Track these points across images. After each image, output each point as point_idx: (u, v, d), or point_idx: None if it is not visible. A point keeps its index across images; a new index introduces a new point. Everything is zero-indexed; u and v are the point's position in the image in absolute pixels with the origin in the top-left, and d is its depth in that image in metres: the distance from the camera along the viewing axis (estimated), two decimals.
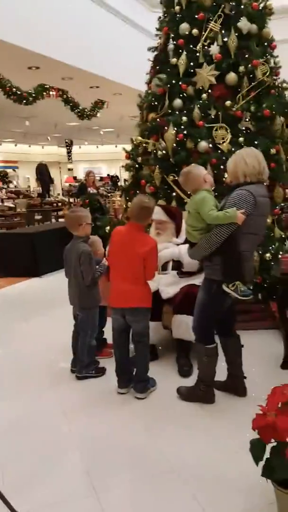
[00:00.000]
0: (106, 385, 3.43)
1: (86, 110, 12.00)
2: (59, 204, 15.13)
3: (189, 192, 3.06)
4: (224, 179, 4.45)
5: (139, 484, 2.37)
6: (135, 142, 5.24)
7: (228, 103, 4.59)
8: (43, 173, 15.12)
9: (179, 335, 3.60)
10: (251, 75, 4.67)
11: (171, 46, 4.89)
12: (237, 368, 3.16)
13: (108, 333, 3.82)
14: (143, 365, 3.24)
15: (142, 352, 3.23)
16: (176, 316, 3.61)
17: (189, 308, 3.46)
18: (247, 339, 3.22)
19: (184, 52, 4.74)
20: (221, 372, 3.16)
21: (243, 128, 4.61)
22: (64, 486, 2.39)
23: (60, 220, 13.85)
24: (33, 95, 10.35)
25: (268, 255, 4.36)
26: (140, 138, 5.08)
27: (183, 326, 3.54)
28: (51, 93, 11.02)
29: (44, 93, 10.67)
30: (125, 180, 5.53)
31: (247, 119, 4.60)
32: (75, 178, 22.35)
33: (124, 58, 9.35)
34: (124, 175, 5.77)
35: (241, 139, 4.53)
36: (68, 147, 22.51)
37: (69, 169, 24.68)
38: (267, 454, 1.94)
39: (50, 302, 5.75)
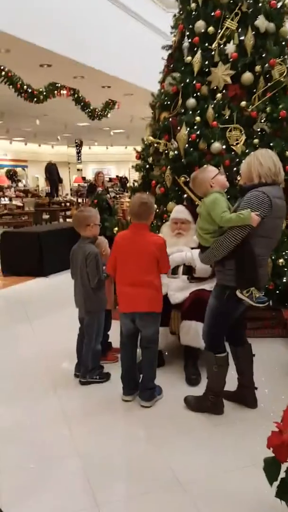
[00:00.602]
0: (110, 391, 3.31)
1: (97, 110, 11.92)
2: (67, 204, 15.05)
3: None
4: (237, 181, 4.34)
5: (142, 497, 2.25)
6: (146, 142, 5.12)
7: (243, 103, 4.45)
8: (52, 172, 15.05)
9: (187, 342, 3.47)
10: (267, 75, 4.52)
11: (186, 44, 4.76)
12: (248, 378, 3.02)
13: (113, 337, 3.70)
14: (150, 372, 3.11)
15: (150, 358, 3.11)
16: (185, 322, 3.48)
17: (198, 314, 3.34)
18: (256, 347, 3.07)
19: (199, 51, 4.61)
20: (231, 382, 3.01)
21: (258, 129, 4.47)
22: (64, 497, 2.26)
23: (68, 220, 13.77)
24: (44, 93, 10.30)
25: (281, 260, 4.21)
26: (151, 138, 4.95)
27: (192, 332, 3.41)
28: (62, 92, 10.97)
29: (55, 92, 10.61)
30: (134, 181, 5.41)
31: (262, 120, 4.46)
32: (84, 178, 22.29)
33: (137, 58, 9.26)
34: (133, 177, 5.65)
35: (255, 140, 4.40)
36: (77, 147, 22.47)
37: (78, 170, 24.63)
38: (282, 474, 1.81)
39: (56, 303, 5.64)
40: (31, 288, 6.77)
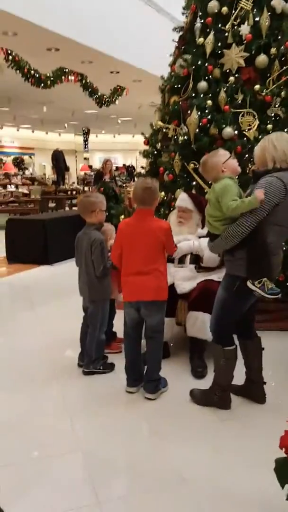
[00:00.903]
0: (114, 382, 3.20)
1: (105, 96, 11.73)
2: (74, 192, 14.91)
3: (210, 182, 2.79)
4: (248, 167, 4.18)
5: (144, 495, 2.14)
6: (154, 127, 4.96)
7: (257, 87, 4.28)
8: (59, 160, 14.90)
9: (193, 333, 3.35)
10: (283, 58, 4.34)
11: (198, 25, 4.58)
12: (256, 372, 2.90)
13: (117, 326, 3.59)
14: (155, 363, 3.00)
15: (155, 349, 2.99)
16: (192, 313, 3.36)
17: (206, 305, 3.23)
18: (263, 340, 2.94)
19: (212, 32, 4.43)
20: (239, 375, 2.89)
21: (272, 114, 4.30)
22: (63, 493, 2.16)
23: (74, 208, 13.64)
24: (52, 78, 10.12)
25: None
26: (160, 122, 4.79)
27: (198, 323, 3.29)
28: (70, 77, 10.78)
29: (63, 77, 10.43)
30: (142, 167, 5.26)
31: (277, 105, 4.29)
32: (90, 167, 22.11)
33: (147, 43, 9.04)
34: (141, 165, 5.48)
35: (269, 126, 4.23)
36: (85, 136, 22.27)
37: (85, 158, 24.44)
38: None
39: (60, 291, 5.54)
40: (36, 276, 6.67)
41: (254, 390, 2.91)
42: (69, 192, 14.10)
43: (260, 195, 2.39)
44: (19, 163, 22.15)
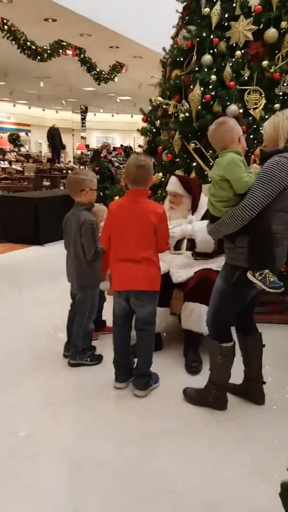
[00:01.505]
0: (101, 376, 2.98)
1: (103, 72, 11.31)
2: (69, 171, 14.50)
3: (215, 155, 2.48)
4: (252, 150, 3.92)
5: (132, 506, 1.93)
6: (154, 103, 4.66)
7: (265, 63, 3.99)
8: (54, 137, 14.44)
9: (188, 326, 3.12)
10: None
11: None
12: (256, 371, 2.68)
13: (107, 314, 3.36)
14: (146, 357, 2.77)
15: (146, 342, 2.76)
16: (187, 303, 3.12)
17: (203, 296, 3.00)
18: (263, 333, 2.71)
19: (219, 2, 4.12)
20: (236, 373, 2.66)
21: (280, 93, 4.02)
22: (40, 501, 1.95)
23: None
24: (49, 51, 9.70)
25: None
26: (160, 98, 4.50)
27: (194, 315, 3.06)
28: (68, 52, 10.35)
29: (61, 51, 10.00)
30: (139, 146, 4.97)
31: (285, 83, 4.01)
32: (87, 146, 21.66)
33: (149, 18, 8.59)
34: (138, 144, 5.19)
35: (276, 105, 3.95)
36: (82, 114, 21.76)
37: (82, 137, 23.96)
38: None
39: (49, 274, 5.29)
40: (25, 257, 6.41)
41: (252, 390, 2.70)
42: (64, 171, 13.70)
43: None
44: (14, 139, 21.66)
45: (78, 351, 3.06)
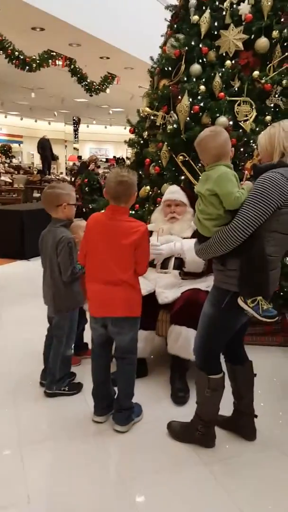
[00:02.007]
0: (80, 407, 2.74)
1: (94, 83, 11.19)
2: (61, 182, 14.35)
3: (203, 168, 2.26)
4: (243, 164, 3.74)
5: None
6: (142, 114, 4.49)
7: (255, 73, 3.82)
8: (45, 148, 14.29)
9: (175, 351, 2.90)
10: (285, 43, 3.89)
11: (193, 1, 4.11)
12: (247, 404, 2.45)
13: (89, 336, 3.13)
14: (127, 388, 2.53)
15: (127, 372, 2.53)
16: (174, 326, 2.91)
17: (190, 318, 2.79)
18: (253, 356, 2.50)
19: (208, 10, 3.97)
20: (225, 403, 2.43)
21: (272, 104, 3.85)
22: None
23: None
24: (38, 61, 9.56)
25: None
26: (148, 109, 4.32)
27: (181, 340, 2.85)
28: (58, 62, 10.22)
29: (50, 61, 9.86)
30: (127, 158, 4.78)
31: (277, 95, 3.84)
32: (80, 157, 21.53)
33: (140, 28, 8.50)
34: (126, 156, 5.00)
35: (268, 117, 3.79)
36: (75, 125, 21.66)
37: (74, 148, 23.85)
38: None
39: (34, 291, 4.96)
40: (9, 272, 6.16)
41: (242, 425, 2.48)
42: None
43: None
44: (6, 151, 21.52)
45: (55, 380, 2.82)
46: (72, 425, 2.58)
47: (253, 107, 3.82)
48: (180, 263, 3.14)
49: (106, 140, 25.46)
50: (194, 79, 3.93)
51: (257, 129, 3.78)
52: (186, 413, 2.55)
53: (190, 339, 2.79)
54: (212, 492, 2.10)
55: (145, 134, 4.41)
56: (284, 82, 3.82)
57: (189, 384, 2.91)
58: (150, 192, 4.17)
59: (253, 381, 2.45)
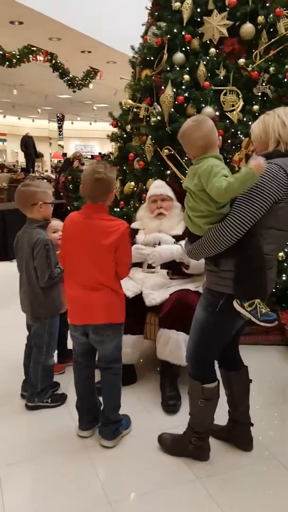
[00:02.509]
0: (64, 421, 2.56)
1: (77, 78, 10.95)
2: (45, 180, 14.07)
3: (190, 162, 2.07)
4: (231, 156, 3.57)
5: None
6: (124, 107, 4.29)
7: (241, 61, 3.65)
8: (28, 146, 14.01)
9: (164, 357, 2.72)
10: (271, 29, 3.72)
11: None
12: (242, 412, 2.29)
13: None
14: (113, 400, 2.35)
15: (112, 383, 2.34)
16: (163, 330, 2.74)
17: (180, 322, 2.64)
18: (246, 356, 2.34)
19: None
20: (220, 412, 2.25)
21: (259, 93, 3.68)
22: None
23: None
24: (18, 56, 9.31)
25: (281, 254, 3.49)
26: (130, 101, 4.13)
27: (171, 345, 2.67)
28: (38, 57, 9.97)
29: (31, 56, 9.61)
30: (110, 153, 4.59)
31: (264, 83, 3.68)
32: (64, 154, 21.22)
33: (120, 20, 8.24)
34: (109, 151, 4.80)
35: (255, 107, 3.62)
36: (59, 122, 21.35)
37: (59, 145, 23.53)
38: None
39: (14, 295, 4.81)
40: None
41: (238, 434, 2.31)
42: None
43: (256, 162, 1.71)
44: None
45: (36, 392, 2.63)
46: (55, 441, 2.39)
47: (240, 96, 3.65)
48: (169, 263, 2.98)
49: (92, 136, 25.13)
50: (178, 68, 3.74)
51: (245, 119, 3.62)
52: (178, 423, 2.40)
53: (180, 344, 2.64)
54: (207, 508, 1.93)
55: (128, 127, 4.22)
56: (271, 69, 3.66)
57: (180, 391, 2.75)
58: (135, 188, 3.99)
59: (248, 388, 2.29)
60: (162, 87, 3.71)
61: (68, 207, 6.89)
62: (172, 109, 3.66)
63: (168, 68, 3.80)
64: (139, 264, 3.05)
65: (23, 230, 2.58)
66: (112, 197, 2.25)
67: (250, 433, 2.31)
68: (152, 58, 3.94)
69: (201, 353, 2.09)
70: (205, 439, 2.20)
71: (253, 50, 3.76)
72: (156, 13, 4.08)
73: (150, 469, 2.18)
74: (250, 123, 3.59)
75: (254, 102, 3.67)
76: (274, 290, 3.43)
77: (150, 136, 3.77)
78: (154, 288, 2.93)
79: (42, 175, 14.56)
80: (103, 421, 2.35)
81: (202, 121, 1.92)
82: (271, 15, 3.67)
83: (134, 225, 3.40)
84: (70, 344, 3.10)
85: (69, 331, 2.38)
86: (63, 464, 2.22)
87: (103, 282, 2.16)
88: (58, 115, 21.19)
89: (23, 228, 2.60)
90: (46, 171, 18.13)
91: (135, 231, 3.27)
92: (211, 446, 2.26)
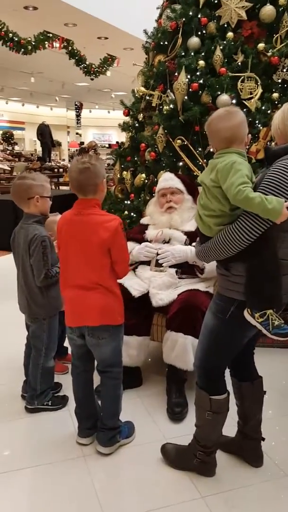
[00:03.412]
0: (64, 425, 2.44)
1: (93, 65, 10.75)
2: (61, 169, 13.91)
3: (204, 152, 1.88)
4: (247, 147, 3.37)
5: None
6: (136, 94, 4.11)
7: (261, 46, 3.42)
8: (44, 134, 13.88)
9: (171, 361, 2.57)
10: None
11: None
12: (253, 426, 2.12)
13: None
14: (111, 407, 2.21)
15: (111, 388, 2.20)
16: (169, 333, 2.58)
17: (188, 324, 2.49)
18: (260, 360, 2.17)
19: None
20: (228, 422, 2.06)
21: (279, 80, 3.46)
22: None
23: (61, 187, 12.70)
24: (33, 43, 9.17)
25: None
26: (143, 88, 3.95)
27: (178, 349, 2.52)
28: (54, 44, 9.80)
29: (47, 43, 9.45)
30: (122, 143, 4.42)
31: (285, 69, 3.45)
32: (82, 143, 21.09)
33: (136, 3, 8.01)
34: (120, 141, 4.59)
35: (275, 95, 3.40)
36: (77, 110, 21.19)
37: (77, 134, 23.40)
38: None
39: None
40: (4, 265, 5.85)
41: (247, 448, 2.15)
42: (56, 170, 13.13)
43: (286, 212, 1.57)
44: (8, 137, 21.13)
45: (36, 394, 2.51)
46: (53, 447, 2.27)
47: (259, 83, 3.42)
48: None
49: (109, 125, 24.91)
50: (192, 54, 3.53)
51: (263, 107, 3.41)
52: (185, 432, 2.24)
53: (187, 348, 2.49)
54: None
55: (140, 116, 4.04)
56: None
57: (188, 397, 2.60)
58: (146, 180, 3.81)
59: (262, 401, 2.12)
60: (176, 74, 3.51)
61: None
62: (186, 97, 3.46)
63: (183, 53, 3.59)
64: (146, 262, 2.90)
65: (20, 226, 2.45)
66: (103, 189, 2.08)
67: (260, 448, 2.15)
68: (166, 42, 3.74)
69: (210, 361, 1.93)
70: (211, 454, 2.05)
71: (274, 34, 3.52)
72: None
73: (151, 483, 2.04)
74: (269, 111, 3.39)
75: (273, 90, 3.44)
76: None
77: (162, 126, 3.59)
78: (162, 288, 2.77)
79: (58, 164, 14.44)
80: (100, 426, 2.22)
81: (234, 112, 1.76)
82: None
83: (143, 220, 3.25)
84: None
85: (66, 333, 2.24)
86: (59, 474, 2.10)
87: (97, 282, 2.02)
88: (76, 103, 21.03)
89: (20, 223, 2.46)
90: (64, 160, 18.00)
91: (145, 227, 3.12)
92: (218, 460, 2.11)
